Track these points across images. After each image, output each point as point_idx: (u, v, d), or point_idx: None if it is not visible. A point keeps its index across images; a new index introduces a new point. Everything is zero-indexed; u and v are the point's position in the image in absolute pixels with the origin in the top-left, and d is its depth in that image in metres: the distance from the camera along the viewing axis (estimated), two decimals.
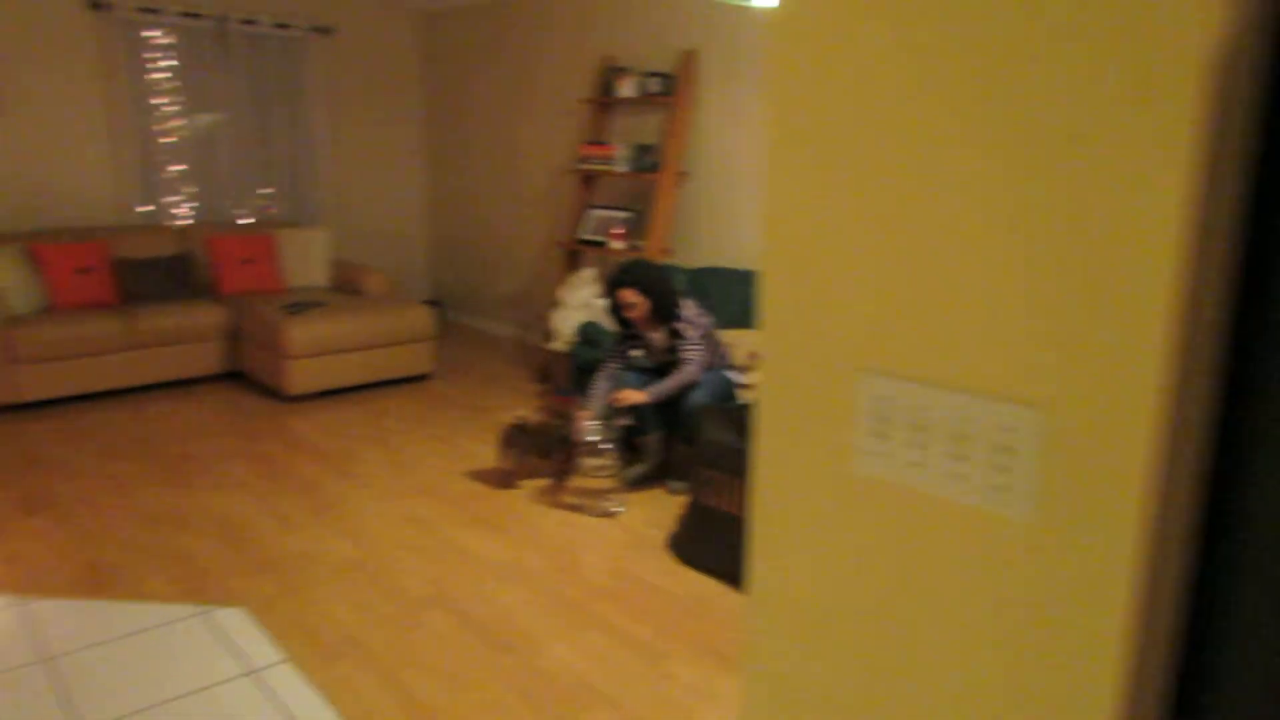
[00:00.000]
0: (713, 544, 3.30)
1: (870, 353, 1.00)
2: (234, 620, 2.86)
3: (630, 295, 3.90)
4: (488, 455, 4.42)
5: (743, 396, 4.02)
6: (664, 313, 3.92)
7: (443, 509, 3.78)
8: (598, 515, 3.81)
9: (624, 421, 3.85)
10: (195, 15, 6.08)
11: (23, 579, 3.07)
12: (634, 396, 3.85)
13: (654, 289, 3.89)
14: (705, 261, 5.38)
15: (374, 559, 3.32)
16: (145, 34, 5.98)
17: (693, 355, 3.90)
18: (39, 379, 4.77)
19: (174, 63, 6.12)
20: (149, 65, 6.03)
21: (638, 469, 4.15)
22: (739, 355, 4.38)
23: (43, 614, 2.86)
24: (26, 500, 3.71)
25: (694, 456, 4.13)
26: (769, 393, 1.17)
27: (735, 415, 3.42)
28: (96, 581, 3.08)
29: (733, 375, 4.16)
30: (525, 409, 5.14)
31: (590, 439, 3.83)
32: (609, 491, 3.89)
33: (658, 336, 4.06)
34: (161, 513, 3.64)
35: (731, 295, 4.88)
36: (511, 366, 6.15)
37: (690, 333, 3.93)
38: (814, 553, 1.08)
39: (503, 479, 4.07)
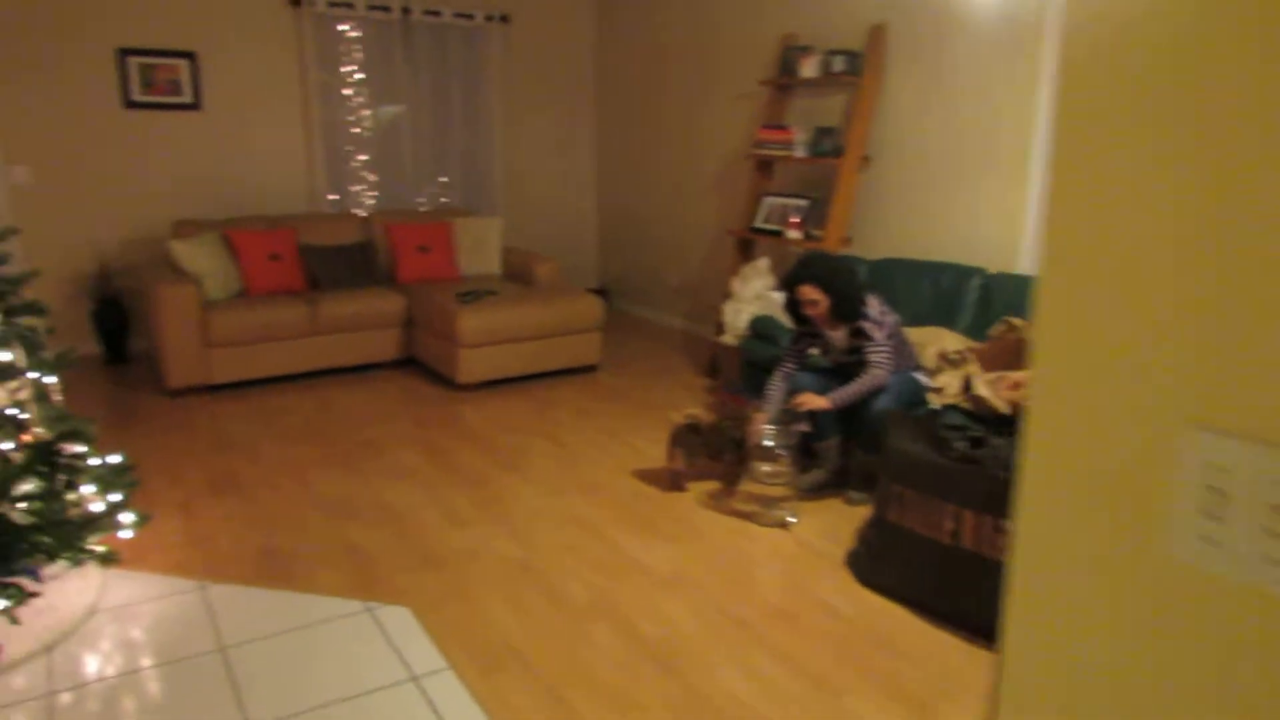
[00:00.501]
0: (900, 566, 2.99)
1: (1203, 399, 0.72)
2: (398, 620, 2.82)
3: (810, 292, 3.61)
4: (654, 453, 4.26)
5: (932, 402, 3.66)
6: (846, 311, 3.62)
7: (608, 510, 3.65)
8: (770, 525, 3.57)
9: (803, 427, 3.58)
10: (384, 9, 6.22)
11: (206, 562, 3.16)
12: (815, 402, 3.57)
13: (836, 285, 3.60)
14: (887, 252, 5.01)
15: (538, 560, 3.22)
16: (338, 28, 6.17)
17: (879, 358, 3.58)
18: (230, 361, 4.99)
19: (361, 55, 6.30)
20: (340, 59, 6.23)
21: (813, 476, 3.88)
22: (927, 356, 4.01)
23: (221, 600, 2.91)
24: (214, 481, 3.85)
25: (879, 467, 3.82)
26: (1042, 437, 0.91)
27: (926, 424, 3.09)
28: (271, 569, 3.12)
29: (921, 378, 3.81)
30: (694, 406, 4.95)
31: (764, 443, 3.59)
32: (782, 499, 3.64)
33: (838, 335, 3.76)
34: (335, 499, 3.69)
35: (917, 290, 4.50)
36: (679, 359, 5.98)
37: (876, 333, 3.60)
38: (1099, 630, 0.82)
39: (670, 480, 3.89)
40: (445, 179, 6.83)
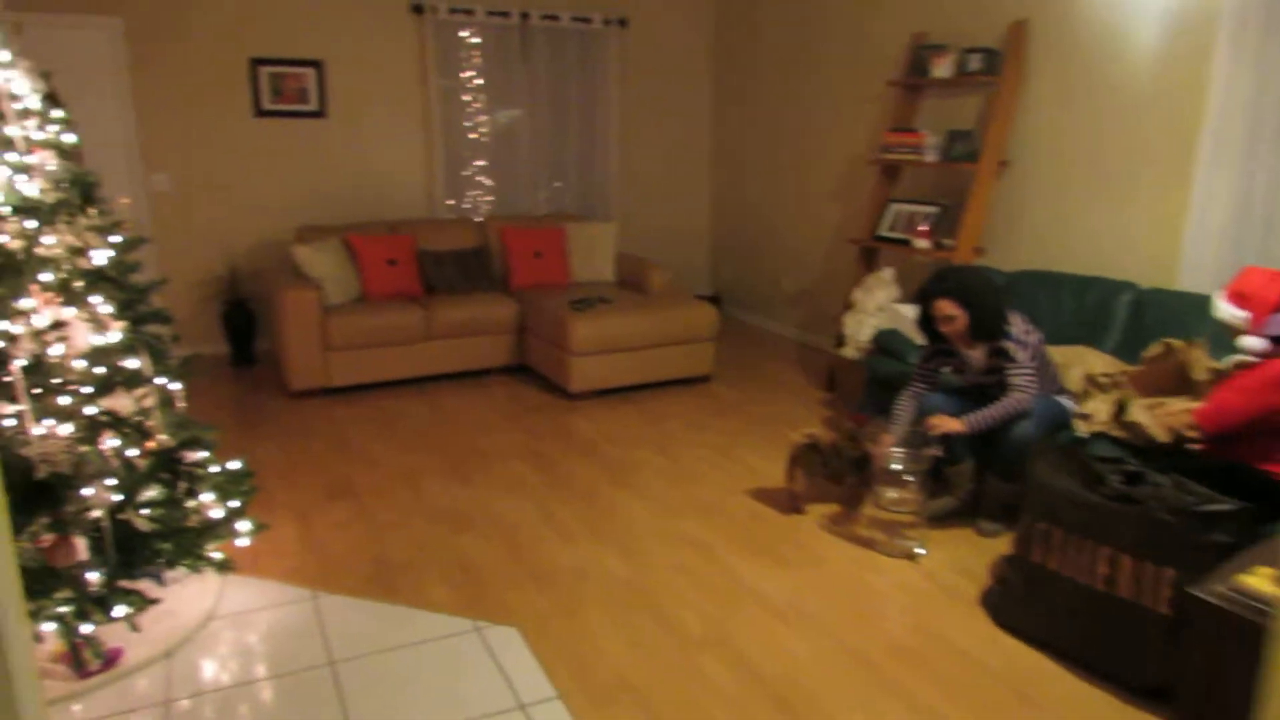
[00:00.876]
0: (1043, 610, 2.73)
1: None
2: (507, 641, 2.73)
3: (948, 307, 3.37)
4: (769, 471, 4.08)
5: (1080, 429, 3.37)
6: (987, 329, 3.36)
7: (722, 532, 3.49)
8: (895, 555, 3.35)
9: (934, 452, 3.34)
10: (503, 14, 6.23)
11: (320, 571, 3.16)
12: (949, 425, 3.33)
13: (976, 301, 3.34)
14: (1024, 264, 4.68)
15: (650, 583, 3.09)
16: (459, 34, 6.22)
17: (1023, 380, 3.31)
18: (348, 365, 5.06)
19: (480, 61, 6.32)
20: (460, 65, 6.27)
21: (943, 503, 3.63)
22: (1070, 378, 3.70)
23: (332, 611, 2.89)
24: (331, 487, 3.88)
25: (1019, 499, 3.54)
26: None
27: (1075, 455, 2.82)
28: (382, 580, 3.09)
29: (1065, 403, 3.51)
30: (812, 423, 4.74)
31: (891, 467, 3.37)
32: (908, 528, 3.41)
33: (976, 355, 3.50)
34: (447, 509, 3.66)
35: (1058, 305, 4.18)
36: (794, 372, 5.77)
37: (1019, 354, 3.33)
38: None
39: (789, 502, 3.71)
40: (560, 184, 6.81)
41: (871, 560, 3.30)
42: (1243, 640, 1.57)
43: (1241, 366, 3.34)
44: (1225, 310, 2.81)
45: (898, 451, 3.37)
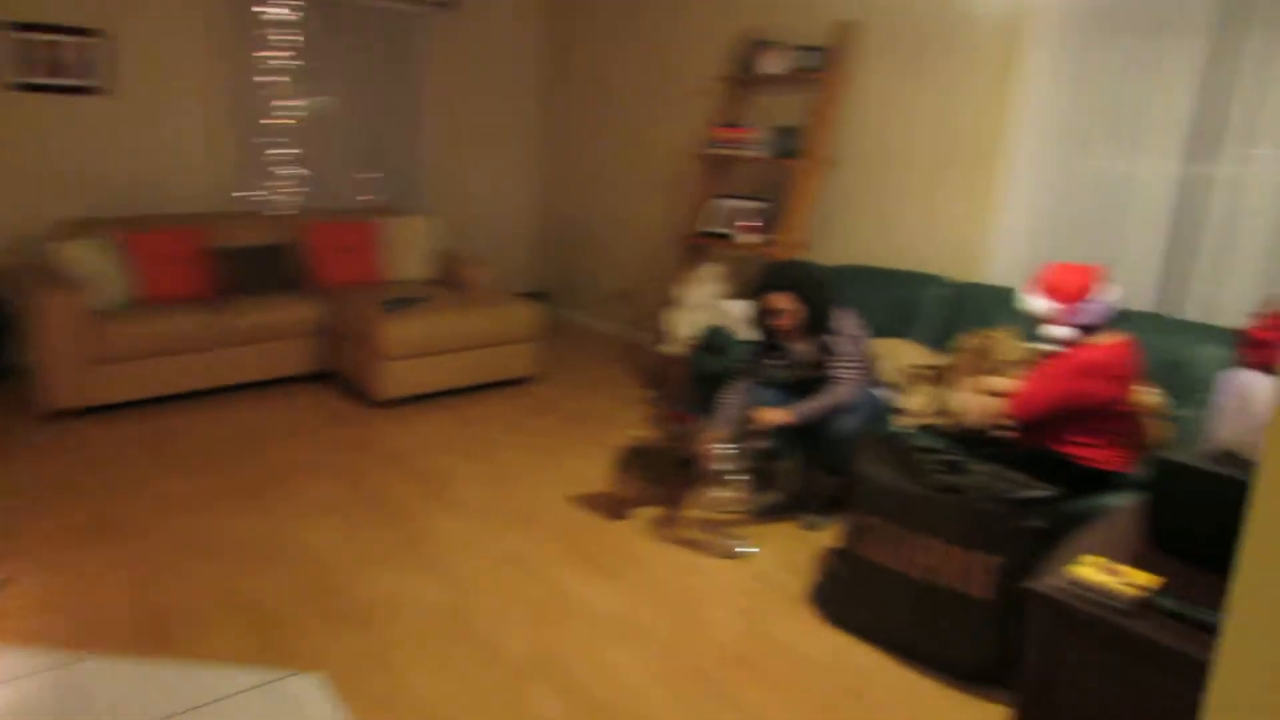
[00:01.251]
0: (871, 603, 2.71)
1: None
2: (312, 692, 2.42)
3: (784, 301, 3.33)
4: (594, 475, 3.92)
5: (900, 423, 3.40)
6: (819, 323, 3.34)
7: (547, 544, 3.30)
8: (723, 556, 3.26)
9: (761, 444, 3.27)
10: None
11: (78, 629, 2.69)
12: (777, 416, 3.27)
13: (812, 295, 3.32)
14: (847, 259, 4.76)
15: (471, 608, 2.85)
16: (262, 9, 5.66)
17: (847, 374, 3.31)
18: (122, 378, 4.48)
19: (288, 40, 5.81)
20: (263, 43, 5.73)
21: (767, 498, 3.59)
22: (889, 371, 3.75)
23: (95, 678, 2.45)
24: (92, 524, 3.36)
25: (846, 494, 3.54)
26: None
27: (899, 448, 2.81)
28: (158, 634, 2.67)
29: (884, 395, 3.55)
30: (635, 422, 4.62)
31: (719, 466, 3.28)
32: (736, 527, 3.34)
33: (803, 349, 3.48)
34: (238, 542, 3.26)
35: (875, 299, 4.25)
36: (619, 370, 5.65)
37: (846, 347, 3.33)
38: None
39: (613, 507, 3.56)
40: (373, 175, 6.37)
41: (699, 563, 3.20)
42: (1078, 630, 1.54)
43: (1049, 354, 3.48)
44: (1034, 302, 2.88)
45: (725, 448, 3.28)
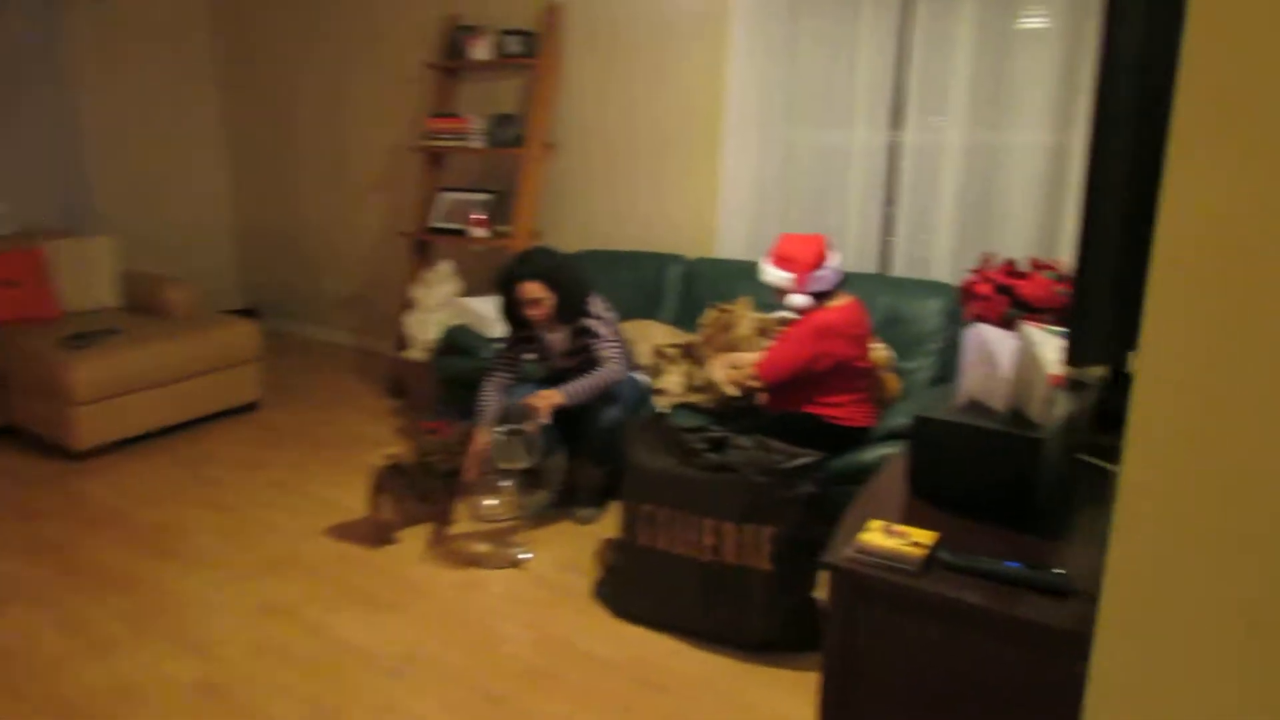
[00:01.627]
0: (657, 591, 2.70)
1: None
2: None
3: (535, 289, 3.22)
4: (351, 502, 3.63)
5: (659, 404, 3.43)
6: (573, 309, 3.28)
7: (309, 587, 2.99)
8: (502, 566, 3.13)
9: (533, 434, 3.12)
10: None
11: None
12: (551, 398, 3.14)
13: (563, 281, 3.25)
14: (580, 244, 4.73)
15: (230, 679, 2.51)
16: None
17: (613, 353, 3.28)
18: None
19: None
20: None
21: (539, 498, 3.49)
22: (642, 353, 3.78)
23: None
24: None
25: (615, 483, 3.51)
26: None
27: (665, 432, 2.81)
28: None
29: (642, 378, 3.57)
30: (393, 441, 4.35)
31: (486, 470, 3.14)
32: (509, 533, 3.22)
33: (557, 338, 3.40)
34: None
35: (616, 282, 4.26)
36: (357, 382, 5.29)
37: (603, 329, 3.30)
38: None
39: (377, 534, 3.30)
40: (22, 195, 5.46)
41: (481, 578, 3.05)
42: (873, 597, 1.59)
43: (787, 322, 3.66)
44: (772, 273, 2.99)
45: (499, 441, 3.11)
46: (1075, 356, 1.45)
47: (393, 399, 4.95)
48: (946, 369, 3.42)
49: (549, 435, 3.37)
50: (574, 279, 3.28)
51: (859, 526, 1.75)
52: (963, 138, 3.55)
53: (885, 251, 3.85)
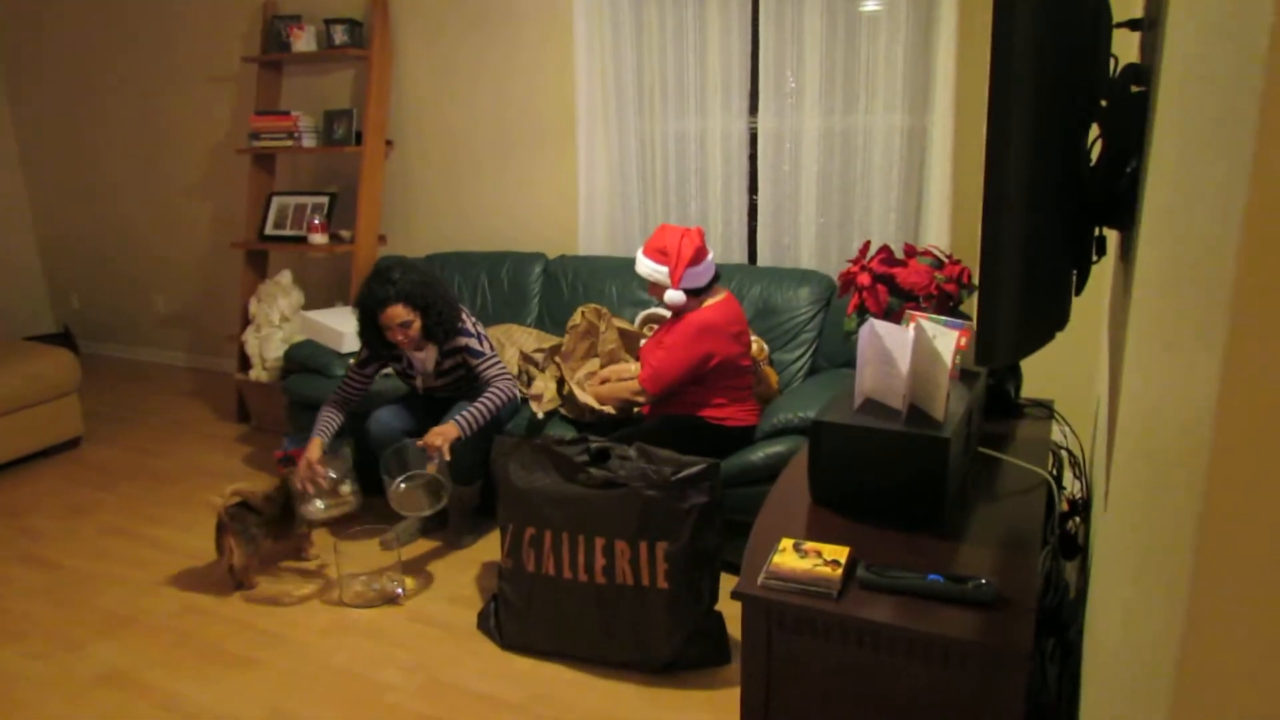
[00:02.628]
0: (549, 620, 2.53)
1: None
2: None
3: (403, 312, 2.94)
4: (196, 544, 3.28)
5: (535, 410, 3.24)
6: (444, 330, 3.03)
7: (150, 648, 2.66)
8: (375, 604, 2.88)
9: (432, 468, 2.89)
10: None
11: None
12: (447, 432, 2.90)
13: (432, 300, 2.99)
14: (429, 248, 4.47)
15: None
16: None
17: (497, 371, 3.08)
18: None
19: None
20: None
21: (407, 525, 3.26)
22: (509, 359, 3.59)
23: None
24: None
25: (482, 500, 3.32)
26: None
27: (544, 449, 2.62)
28: None
29: (513, 388, 3.37)
30: (243, 474, 3.98)
31: (315, 505, 2.91)
32: (382, 566, 2.97)
33: (426, 356, 3.16)
34: None
35: (475, 285, 4.05)
36: (197, 407, 4.84)
37: (480, 346, 3.09)
38: None
39: (232, 580, 2.98)
40: None
41: (353, 619, 2.79)
42: (789, 625, 1.48)
43: (652, 321, 3.54)
44: (648, 267, 2.85)
45: (399, 493, 2.86)
46: (986, 355, 1.38)
47: (241, 424, 4.55)
48: (820, 360, 3.39)
49: (466, 462, 3.14)
50: (443, 297, 3.03)
51: (767, 546, 1.65)
52: (821, 123, 3.52)
53: (751, 241, 3.79)
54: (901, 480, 1.73)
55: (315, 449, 2.98)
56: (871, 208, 3.52)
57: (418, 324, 2.97)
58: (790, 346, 3.39)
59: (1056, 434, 2.20)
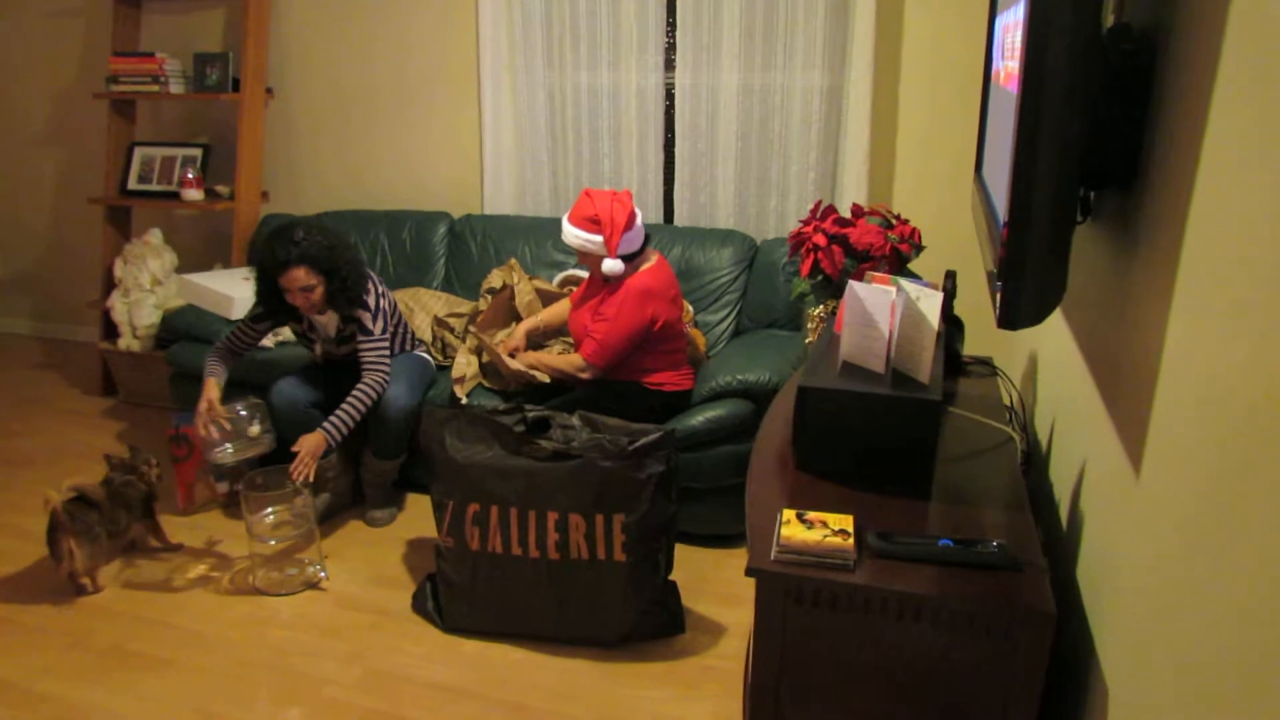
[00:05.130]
0: (497, 600, 2.42)
1: None
2: None
3: (305, 276, 2.70)
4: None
5: (459, 394, 3.06)
6: (348, 296, 2.81)
7: (42, 654, 2.37)
8: (296, 590, 2.68)
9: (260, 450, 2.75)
10: None
11: None
12: (311, 443, 2.70)
13: (337, 265, 2.76)
14: (316, 205, 4.16)
15: None
16: None
17: (375, 358, 2.86)
18: None
19: None
20: None
21: (321, 500, 3.05)
22: (420, 326, 3.39)
23: None
24: None
25: (410, 478, 3.15)
26: None
27: (481, 420, 2.48)
28: None
29: (424, 355, 3.19)
30: (120, 448, 3.61)
31: (231, 441, 2.71)
32: (297, 549, 2.76)
33: (328, 320, 2.93)
34: None
35: (374, 246, 3.81)
36: (53, 381, 4.37)
37: (374, 324, 2.86)
38: None
39: (74, 585, 2.65)
40: None
41: (270, 610, 2.58)
42: (811, 599, 1.45)
43: (570, 283, 3.40)
44: (578, 237, 2.72)
45: (227, 448, 2.68)
46: (1010, 318, 1.36)
47: (108, 397, 4.14)
48: (745, 321, 3.37)
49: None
50: (350, 262, 2.80)
51: (765, 519, 1.60)
52: (740, 79, 3.46)
53: (668, 200, 3.71)
54: (891, 444, 1.71)
55: (212, 388, 2.78)
56: (789, 166, 3.50)
57: (321, 289, 2.75)
58: (714, 308, 3.35)
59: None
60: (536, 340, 3.16)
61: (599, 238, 2.69)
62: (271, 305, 2.84)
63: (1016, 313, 1.37)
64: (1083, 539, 1.58)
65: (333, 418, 2.77)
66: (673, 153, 3.62)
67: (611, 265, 2.70)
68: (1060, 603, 1.61)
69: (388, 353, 2.90)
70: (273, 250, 2.68)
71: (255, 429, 2.80)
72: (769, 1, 3.35)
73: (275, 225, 2.81)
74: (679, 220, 3.66)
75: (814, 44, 3.34)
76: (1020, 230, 1.30)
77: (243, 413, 2.79)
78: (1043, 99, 1.23)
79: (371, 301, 2.86)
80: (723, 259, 3.36)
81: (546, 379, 2.90)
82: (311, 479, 2.69)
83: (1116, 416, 1.41)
